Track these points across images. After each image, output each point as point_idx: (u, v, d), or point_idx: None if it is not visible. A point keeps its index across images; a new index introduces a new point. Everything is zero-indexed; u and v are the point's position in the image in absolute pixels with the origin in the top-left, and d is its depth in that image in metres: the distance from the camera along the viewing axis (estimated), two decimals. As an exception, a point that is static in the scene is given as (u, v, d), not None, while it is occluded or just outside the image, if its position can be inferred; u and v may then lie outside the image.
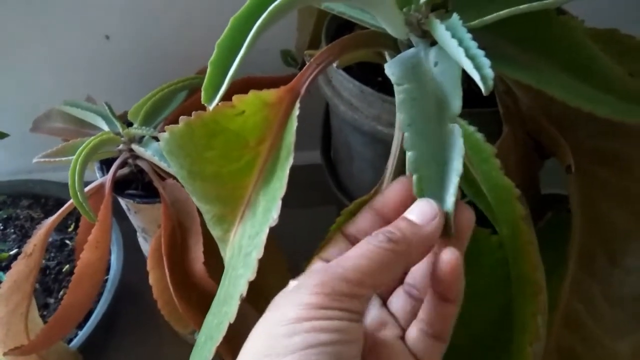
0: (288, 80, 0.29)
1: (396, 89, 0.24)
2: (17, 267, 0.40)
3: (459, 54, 0.22)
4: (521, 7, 0.23)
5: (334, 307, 0.20)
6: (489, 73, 0.21)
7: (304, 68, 0.28)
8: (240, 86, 0.49)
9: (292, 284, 0.22)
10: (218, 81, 0.25)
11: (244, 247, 0.28)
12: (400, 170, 0.32)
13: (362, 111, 0.39)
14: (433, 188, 0.22)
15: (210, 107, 0.26)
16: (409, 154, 0.22)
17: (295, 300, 0.20)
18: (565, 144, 0.31)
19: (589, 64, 0.26)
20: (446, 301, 0.22)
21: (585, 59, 0.26)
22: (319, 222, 0.38)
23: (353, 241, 0.25)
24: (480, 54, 0.21)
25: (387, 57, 0.30)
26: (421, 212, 0.21)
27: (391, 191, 0.25)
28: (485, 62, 0.21)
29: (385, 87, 0.36)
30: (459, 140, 0.22)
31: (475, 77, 0.21)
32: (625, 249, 0.33)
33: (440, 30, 0.23)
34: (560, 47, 0.26)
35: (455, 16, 0.24)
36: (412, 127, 0.23)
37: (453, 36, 0.22)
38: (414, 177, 0.22)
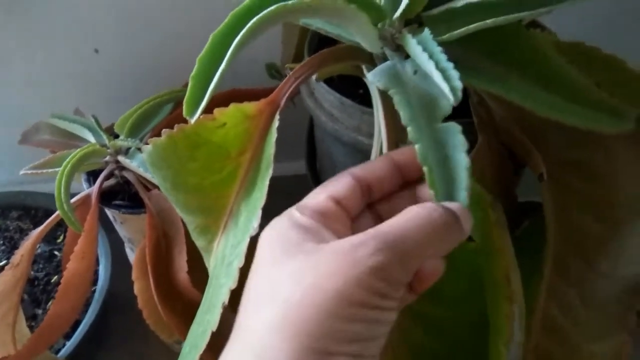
0: (271, 93, 0.30)
1: (389, 93, 0.25)
2: (4, 277, 0.41)
3: (430, 67, 0.23)
4: (488, 21, 0.24)
5: (394, 298, 0.20)
6: (458, 85, 0.22)
7: (284, 81, 0.29)
8: (226, 98, 0.50)
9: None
10: (199, 95, 0.26)
11: (227, 257, 0.29)
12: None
13: (343, 122, 0.40)
14: (444, 181, 0.22)
15: (192, 120, 0.26)
16: (417, 147, 0.23)
17: (356, 276, 0.19)
18: (537, 153, 0.32)
19: (557, 75, 0.27)
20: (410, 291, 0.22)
21: (553, 71, 0.27)
22: None
23: (364, 186, 0.24)
24: (449, 66, 0.22)
25: (365, 70, 0.31)
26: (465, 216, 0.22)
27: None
28: (454, 75, 0.22)
29: (365, 100, 0.38)
30: (459, 136, 0.23)
31: (445, 89, 0.22)
32: (598, 255, 0.34)
33: (412, 45, 0.24)
34: (529, 59, 0.27)
35: (426, 31, 0.25)
36: (413, 122, 0.23)
37: (424, 50, 0.23)
38: (425, 168, 0.22)
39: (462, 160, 0.22)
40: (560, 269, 0.36)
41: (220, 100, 0.50)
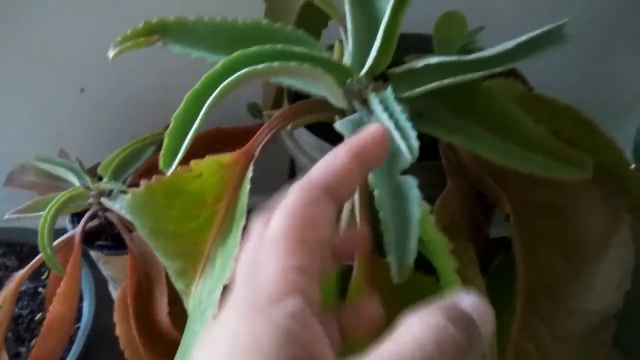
0: (253, 131, 0.31)
1: None
2: (-14, 320, 0.41)
3: (389, 126, 0.24)
4: (445, 81, 0.26)
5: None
6: (414, 144, 0.23)
7: (258, 132, 0.31)
8: (210, 137, 0.52)
9: None
10: (174, 150, 0.27)
11: (203, 302, 0.30)
12: (353, 219, 0.34)
13: (321, 163, 0.41)
14: (397, 227, 0.24)
15: (168, 173, 0.27)
16: (375, 193, 0.24)
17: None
18: (503, 195, 0.33)
19: (514, 126, 0.29)
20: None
21: (511, 122, 0.29)
22: None
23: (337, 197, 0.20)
24: (407, 126, 0.24)
25: (337, 119, 0.32)
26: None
27: None
28: (412, 134, 0.23)
29: (341, 141, 0.39)
30: (415, 190, 0.24)
31: (403, 147, 0.23)
32: (566, 292, 0.36)
33: (375, 104, 0.26)
34: (488, 112, 0.28)
35: (388, 90, 0.26)
36: (375, 171, 0.24)
37: (385, 109, 0.25)
38: (381, 214, 0.24)
39: (415, 212, 0.23)
40: (531, 304, 0.37)
41: (205, 139, 0.51)
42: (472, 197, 0.37)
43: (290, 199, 0.18)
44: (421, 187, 0.36)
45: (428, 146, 0.38)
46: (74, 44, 0.54)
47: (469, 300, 0.17)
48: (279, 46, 0.25)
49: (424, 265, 0.32)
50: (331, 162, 0.19)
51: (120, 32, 0.28)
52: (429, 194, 0.34)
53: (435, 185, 0.35)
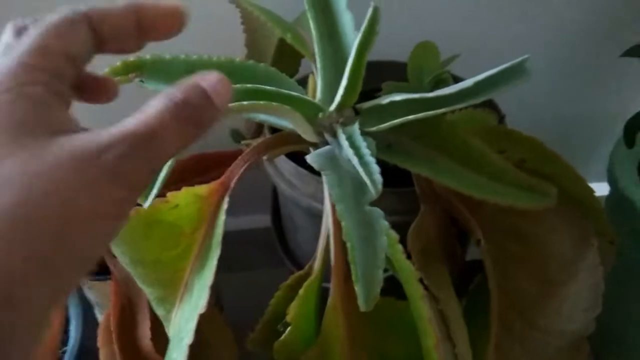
0: (235, 155, 0.32)
1: (322, 174, 0.28)
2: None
3: (355, 162, 0.25)
4: (410, 117, 0.27)
5: (133, 202, 0.18)
6: (378, 179, 0.24)
7: (233, 165, 0.32)
8: (194, 163, 0.53)
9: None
10: (150, 185, 0.28)
11: (181, 330, 0.31)
12: (329, 245, 0.35)
13: (300, 189, 0.42)
14: (363, 258, 0.25)
15: (145, 206, 0.28)
16: (343, 224, 0.25)
17: (98, 190, 0.16)
18: (473, 221, 0.35)
19: (478, 157, 0.30)
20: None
21: (475, 154, 0.30)
22: (272, 282, 0.40)
23: (95, 31, 0.20)
24: (371, 161, 0.25)
25: (310, 150, 0.34)
26: (216, 85, 0.20)
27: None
28: (375, 169, 0.25)
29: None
30: (382, 221, 0.26)
31: (367, 181, 0.24)
32: (538, 314, 0.37)
33: (342, 139, 0.27)
34: (452, 143, 0.30)
35: (356, 125, 0.28)
36: (342, 202, 0.26)
37: (351, 146, 0.26)
38: (348, 244, 0.25)
39: (382, 244, 0.24)
40: (505, 325, 0.38)
41: (189, 164, 0.52)
42: (445, 222, 0.38)
43: (49, 17, 0.19)
44: (396, 213, 0.37)
45: (403, 173, 0.39)
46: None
47: (204, 75, 0.20)
48: (249, 85, 0.26)
49: (399, 290, 0.33)
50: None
51: (97, 68, 0.29)
52: (404, 220, 0.35)
53: (410, 211, 0.37)
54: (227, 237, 0.30)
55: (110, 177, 0.17)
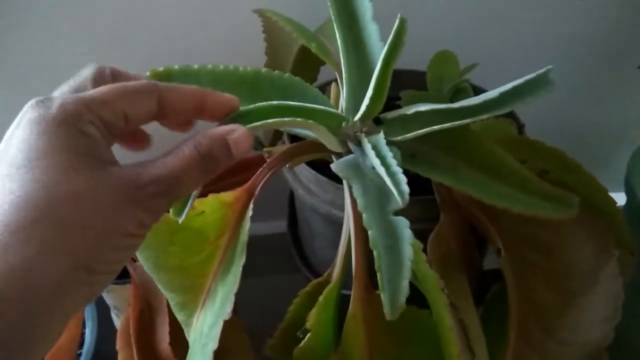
0: (255, 161, 0.33)
1: (349, 182, 0.28)
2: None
3: (381, 171, 0.25)
4: (435, 127, 0.27)
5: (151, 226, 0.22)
6: (405, 189, 0.25)
7: (258, 172, 0.32)
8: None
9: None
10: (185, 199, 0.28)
11: (204, 335, 0.31)
12: (349, 253, 0.35)
13: (319, 196, 0.42)
14: (389, 267, 0.25)
15: (180, 220, 0.28)
16: (369, 232, 0.25)
17: (133, 213, 0.20)
18: (493, 230, 0.35)
19: (502, 167, 0.30)
20: None
21: (499, 164, 0.30)
22: (287, 289, 0.40)
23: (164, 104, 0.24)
24: (398, 171, 0.25)
25: (334, 158, 0.34)
26: (239, 141, 0.23)
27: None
28: (402, 179, 0.25)
29: (337, 176, 0.40)
30: (407, 230, 0.26)
31: (395, 191, 0.25)
32: (557, 324, 0.37)
33: (367, 148, 0.27)
34: (476, 153, 0.30)
35: (381, 135, 0.28)
36: (368, 210, 0.26)
37: (377, 155, 0.26)
38: (375, 252, 0.25)
39: (407, 252, 0.24)
40: (523, 335, 0.38)
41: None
42: (465, 230, 0.38)
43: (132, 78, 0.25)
44: (416, 221, 0.37)
45: (422, 181, 0.39)
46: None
47: (231, 130, 0.24)
48: (275, 103, 0.26)
49: (419, 299, 0.33)
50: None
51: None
52: (424, 227, 0.35)
53: (430, 219, 0.37)
54: None
55: (143, 207, 0.21)
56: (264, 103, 0.25)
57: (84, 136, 0.20)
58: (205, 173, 0.23)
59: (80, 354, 0.57)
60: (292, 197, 0.56)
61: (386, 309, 0.24)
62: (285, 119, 0.24)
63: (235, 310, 0.56)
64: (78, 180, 0.19)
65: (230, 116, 0.25)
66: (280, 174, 0.48)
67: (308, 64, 0.45)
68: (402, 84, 0.47)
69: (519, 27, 0.59)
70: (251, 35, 0.47)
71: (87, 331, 0.57)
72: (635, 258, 0.38)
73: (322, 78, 0.49)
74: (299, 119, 0.24)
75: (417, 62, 0.47)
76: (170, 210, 0.27)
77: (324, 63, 0.46)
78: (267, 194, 0.62)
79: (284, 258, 0.58)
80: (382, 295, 0.24)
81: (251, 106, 0.24)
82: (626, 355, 0.61)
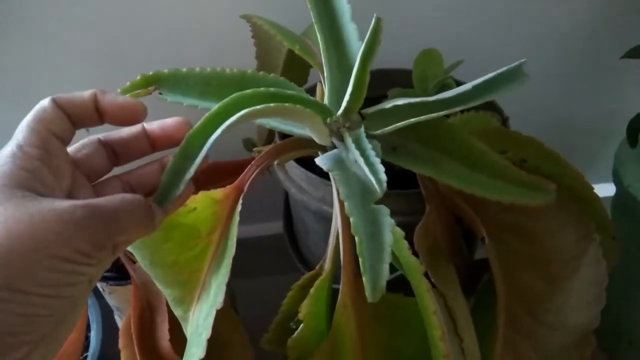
0: (248, 164, 0.34)
1: (331, 174, 0.29)
2: None
3: (361, 162, 0.27)
4: (412, 120, 0.28)
5: (94, 257, 0.23)
6: (383, 177, 0.26)
7: (246, 169, 0.33)
8: (210, 171, 0.55)
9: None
10: (172, 187, 0.29)
11: (199, 327, 0.32)
12: (339, 245, 0.36)
13: (310, 193, 0.44)
14: (370, 251, 0.26)
15: (162, 208, 0.30)
16: (351, 220, 0.26)
17: (67, 236, 0.22)
18: (477, 219, 0.36)
19: (479, 157, 0.31)
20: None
21: (476, 154, 0.31)
22: (285, 288, 0.42)
23: (108, 148, 0.28)
24: (376, 161, 0.27)
25: (320, 154, 0.35)
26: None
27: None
28: (380, 169, 0.26)
29: (327, 174, 0.42)
30: (387, 218, 0.27)
31: (373, 180, 0.26)
32: (543, 308, 0.38)
33: (349, 142, 0.28)
34: (454, 144, 0.31)
35: (361, 129, 0.29)
36: (350, 199, 0.27)
37: (357, 147, 0.28)
38: (357, 238, 0.26)
39: (387, 238, 0.25)
40: (511, 321, 0.39)
41: (204, 172, 0.54)
42: (450, 221, 0.40)
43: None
44: (403, 214, 0.39)
45: (409, 177, 0.40)
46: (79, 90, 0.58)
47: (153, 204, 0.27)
48: (272, 89, 0.27)
49: (407, 288, 0.34)
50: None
51: (119, 83, 0.31)
52: (411, 220, 0.36)
53: (416, 212, 0.38)
54: (241, 244, 0.32)
55: (78, 232, 0.22)
56: (262, 89, 0.26)
57: (23, 171, 0.23)
58: (148, 218, 0.25)
59: (86, 357, 0.58)
60: (287, 197, 0.57)
61: (367, 292, 0.25)
62: (286, 104, 0.26)
63: (235, 309, 0.57)
64: (15, 206, 0.21)
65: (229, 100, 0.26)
66: (274, 176, 0.50)
67: (297, 67, 0.46)
68: (390, 82, 0.48)
69: (503, 24, 0.60)
70: (242, 41, 0.49)
71: (92, 334, 0.59)
72: (618, 242, 0.39)
73: (312, 81, 0.51)
74: (297, 106, 0.26)
75: (406, 62, 0.49)
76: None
77: (311, 67, 0.48)
78: (264, 197, 0.63)
79: (281, 258, 0.60)
80: (364, 279, 0.25)
81: (250, 90, 0.26)
82: (621, 343, 0.62)
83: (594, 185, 0.36)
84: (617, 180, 0.55)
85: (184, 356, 0.34)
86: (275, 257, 0.64)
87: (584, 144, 0.69)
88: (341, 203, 0.33)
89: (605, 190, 0.57)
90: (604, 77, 0.64)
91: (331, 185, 0.42)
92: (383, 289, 0.26)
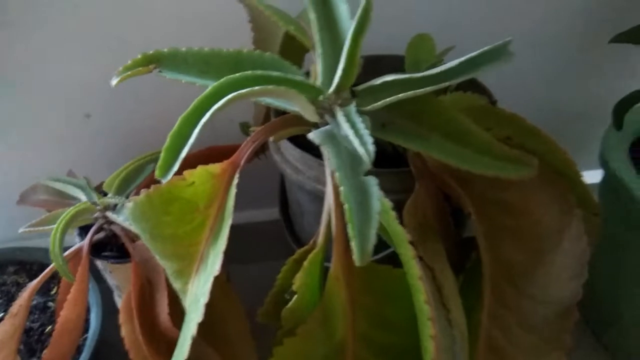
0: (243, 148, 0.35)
1: (322, 149, 0.31)
2: (3, 326, 0.45)
3: (350, 134, 0.28)
4: (400, 95, 0.30)
5: None
6: (371, 148, 0.27)
7: (243, 144, 0.35)
8: (205, 155, 0.56)
9: None
10: (170, 163, 0.31)
11: (197, 296, 0.34)
12: (330, 222, 0.38)
13: (305, 173, 0.45)
14: (359, 217, 0.27)
15: (164, 181, 0.31)
16: (341, 189, 0.28)
17: None
18: (464, 195, 0.37)
19: (465, 132, 0.33)
20: None
21: (461, 129, 0.33)
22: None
23: None
24: (365, 133, 0.28)
25: (312, 131, 0.37)
26: None
27: None
28: (368, 140, 0.28)
29: (321, 154, 0.43)
30: (375, 188, 0.28)
31: (361, 151, 0.27)
32: (527, 282, 0.39)
33: (339, 116, 0.30)
34: (441, 120, 0.33)
35: (352, 105, 0.31)
36: (340, 170, 0.29)
37: (347, 120, 0.29)
38: (346, 206, 0.27)
39: (375, 205, 0.27)
40: (497, 294, 0.40)
41: (199, 157, 0.56)
42: (439, 199, 0.41)
43: None
44: (393, 192, 0.40)
45: (400, 157, 0.42)
46: (79, 74, 0.59)
47: None
48: (259, 72, 0.29)
49: (396, 264, 0.35)
50: None
51: (116, 67, 0.33)
52: (401, 198, 0.38)
53: (406, 190, 0.39)
54: (236, 229, 0.33)
55: None
56: (250, 72, 0.28)
57: None
58: None
59: (86, 338, 0.60)
60: (282, 182, 0.59)
61: (356, 256, 0.27)
62: (269, 86, 0.27)
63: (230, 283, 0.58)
64: None
65: (219, 84, 0.28)
66: (270, 160, 0.51)
67: (293, 50, 0.48)
68: (383, 68, 0.50)
69: (494, 9, 0.61)
70: (240, 28, 0.50)
71: (92, 315, 0.60)
72: (599, 219, 0.40)
73: (308, 65, 0.52)
74: (281, 87, 0.27)
75: (399, 48, 0.50)
76: (156, 172, 0.30)
77: (307, 50, 0.49)
78: (260, 183, 0.64)
79: (278, 244, 0.61)
80: (352, 244, 0.27)
81: (238, 74, 0.27)
82: (604, 322, 0.64)
83: (582, 173, 0.38)
84: (604, 164, 0.57)
85: (183, 325, 0.35)
86: (271, 243, 0.66)
87: (572, 130, 0.70)
88: (333, 177, 0.35)
89: (594, 177, 0.59)
90: (591, 62, 0.65)
91: (325, 165, 0.44)
92: (370, 253, 0.27)
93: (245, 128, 0.56)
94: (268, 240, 0.70)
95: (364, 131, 0.28)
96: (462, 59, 0.31)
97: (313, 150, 0.45)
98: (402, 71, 0.49)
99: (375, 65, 0.51)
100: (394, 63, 0.52)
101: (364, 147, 0.27)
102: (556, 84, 0.68)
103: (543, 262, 0.38)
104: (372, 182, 0.28)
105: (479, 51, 0.32)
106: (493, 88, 0.50)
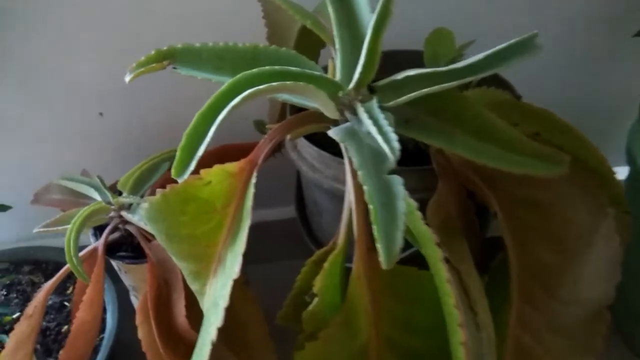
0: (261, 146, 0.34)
1: (343, 146, 0.29)
2: (20, 327, 0.45)
3: (373, 131, 0.27)
4: (423, 90, 0.29)
5: None
6: (396, 145, 0.26)
7: (260, 142, 0.34)
8: (219, 153, 0.55)
9: None
10: (186, 162, 0.30)
11: (216, 298, 0.33)
12: (351, 221, 0.37)
13: (322, 172, 0.44)
14: (384, 218, 0.26)
15: (180, 181, 0.31)
16: (365, 188, 0.26)
17: None
18: (489, 193, 0.36)
19: (491, 128, 0.31)
20: None
21: (488, 125, 0.31)
22: (298, 272, 0.42)
23: None
24: (389, 130, 0.27)
25: (332, 128, 0.36)
26: None
27: None
28: (393, 137, 0.26)
29: (340, 152, 0.42)
30: (400, 187, 0.27)
31: (386, 149, 0.26)
32: (557, 283, 0.38)
33: (361, 113, 0.29)
34: (466, 116, 0.31)
35: (374, 100, 0.29)
36: (363, 168, 0.27)
37: (369, 117, 0.28)
38: (370, 207, 0.26)
39: (401, 206, 0.26)
40: (525, 296, 0.39)
41: (213, 155, 0.55)
42: (463, 197, 0.40)
43: None
44: (416, 190, 0.39)
45: (422, 153, 0.40)
46: (92, 72, 0.58)
47: None
48: (277, 67, 0.28)
49: (421, 264, 0.34)
50: None
51: (130, 63, 0.32)
52: (424, 197, 0.36)
53: (429, 189, 0.38)
54: (253, 229, 0.32)
55: None
56: (268, 67, 0.26)
57: None
58: None
59: (102, 338, 0.59)
60: (299, 180, 0.58)
61: (382, 259, 0.26)
62: (288, 82, 0.26)
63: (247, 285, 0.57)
64: None
65: (235, 80, 0.27)
66: (287, 158, 0.50)
67: (308, 46, 0.47)
68: (401, 63, 0.48)
69: (518, 4, 0.60)
70: (253, 23, 0.49)
71: (108, 315, 0.60)
72: (630, 217, 0.39)
73: (322, 62, 0.51)
74: (300, 83, 0.26)
75: (417, 43, 0.48)
76: (172, 171, 0.29)
77: (324, 45, 0.48)
78: (276, 182, 0.63)
79: (295, 244, 0.60)
80: (378, 246, 0.26)
81: (255, 69, 0.26)
82: (629, 319, 0.61)
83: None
84: (630, 159, 0.55)
85: (201, 328, 0.34)
86: (287, 243, 0.65)
87: (595, 126, 0.68)
88: (354, 176, 0.34)
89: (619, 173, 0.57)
90: (618, 54, 0.63)
91: (344, 163, 0.43)
92: (397, 255, 0.26)
93: (260, 126, 0.55)
94: (282, 239, 0.69)
95: (387, 128, 0.27)
96: (488, 52, 0.29)
97: (330, 148, 0.44)
98: (419, 66, 0.48)
99: (393, 60, 0.49)
100: (412, 58, 0.50)
101: (388, 144, 0.26)
102: (579, 78, 0.66)
103: (574, 263, 0.37)
104: (397, 181, 0.27)
105: (505, 44, 0.30)
106: (512, 81, 0.48)
